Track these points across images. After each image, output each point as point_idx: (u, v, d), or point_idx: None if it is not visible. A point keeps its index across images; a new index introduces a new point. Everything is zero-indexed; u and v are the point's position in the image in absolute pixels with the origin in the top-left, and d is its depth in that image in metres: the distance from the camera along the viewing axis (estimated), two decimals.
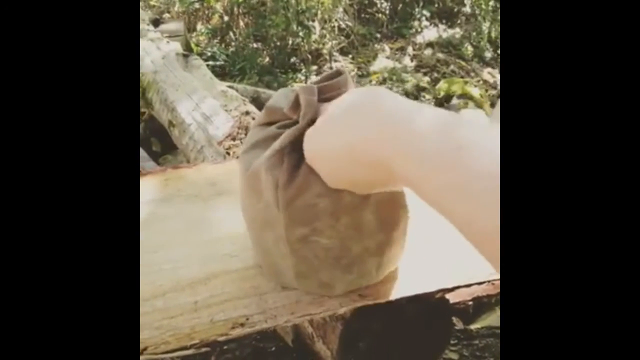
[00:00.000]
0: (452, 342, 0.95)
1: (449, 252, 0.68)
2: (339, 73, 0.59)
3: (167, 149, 2.10)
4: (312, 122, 0.56)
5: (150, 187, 0.83)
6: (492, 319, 1.08)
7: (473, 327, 1.03)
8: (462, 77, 3.08)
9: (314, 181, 0.55)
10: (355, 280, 0.60)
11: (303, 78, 3.18)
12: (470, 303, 0.72)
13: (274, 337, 0.97)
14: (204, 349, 0.94)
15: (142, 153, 1.92)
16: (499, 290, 0.61)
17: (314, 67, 3.31)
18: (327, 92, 0.57)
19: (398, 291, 0.61)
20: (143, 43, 1.86)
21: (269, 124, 0.61)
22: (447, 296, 0.63)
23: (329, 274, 0.59)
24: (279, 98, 0.61)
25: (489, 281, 0.62)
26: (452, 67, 3.31)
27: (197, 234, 0.72)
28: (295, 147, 0.56)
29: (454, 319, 1.03)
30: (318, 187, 0.55)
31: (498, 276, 0.61)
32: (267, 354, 0.95)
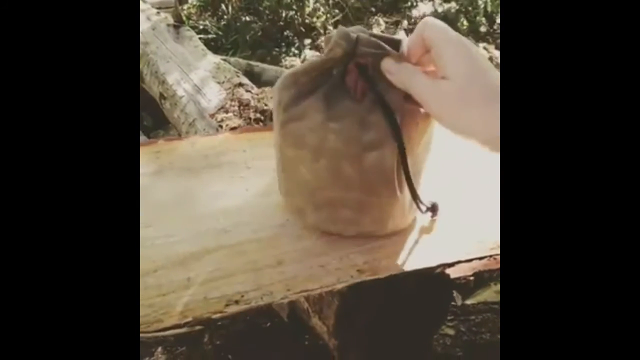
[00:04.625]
0: (448, 317, 0.94)
1: (449, 227, 0.66)
2: (395, 41, 0.58)
3: (158, 123, 2.07)
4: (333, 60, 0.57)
5: (141, 160, 0.81)
6: (488, 294, 1.08)
7: (469, 302, 1.03)
8: None
9: (311, 115, 0.57)
10: (325, 222, 0.62)
11: (297, 52, 3.13)
12: (472, 278, 0.71)
13: (269, 312, 0.96)
14: (197, 328, 0.93)
15: None
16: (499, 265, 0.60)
17: (308, 41, 3.26)
18: (366, 46, 0.57)
19: (398, 266, 0.59)
20: None
21: None
22: (448, 271, 0.61)
23: (304, 202, 0.62)
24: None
25: (490, 256, 0.61)
26: None
27: (190, 209, 0.70)
28: (314, 78, 0.58)
29: (455, 293, 1.02)
30: (311, 122, 0.57)
31: (499, 251, 0.61)
32: (262, 329, 0.95)
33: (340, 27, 0.59)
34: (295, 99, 0.58)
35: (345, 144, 0.56)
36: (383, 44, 0.58)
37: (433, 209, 0.64)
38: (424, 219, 0.66)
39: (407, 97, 0.58)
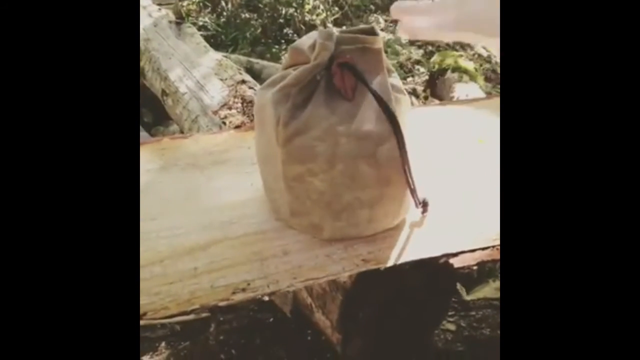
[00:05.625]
0: (449, 313, 0.95)
1: (453, 217, 0.67)
2: (371, 30, 0.60)
3: (159, 119, 2.07)
4: (322, 64, 0.58)
5: (146, 157, 0.81)
6: (488, 290, 1.08)
7: (469, 298, 1.03)
8: (456, 50, 3.05)
9: (316, 124, 0.57)
10: (345, 228, 0.61)
11: None
12: (475, 268, 0.71)
13: (272, 308, 0.97)
14: (204, 315, 0.94)
15: None
16: None
17: None
18: (347, 43, 0.58)
19: (402, 256, 0.60)
20: None
21: (294, 67, 0.61)
22: (451, 261, 0.62)
23: (319, 217, 0.60)
24: (304, 39, 0.61)
25: (493, 246, 0.62)
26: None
27: (196, 202, 0.71)
28: (304, 88, 0.58)
29: (458, 285, 1.03)
30: (318, 131, 0.57)
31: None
32: (265, 324, 0.95)
33: (320, 28, 0.60)
34: (292, 113, 0.57)
35: (358, 144, 0.57)
36: (360, 36, 0.59)
37: (424, 204, 0.65)
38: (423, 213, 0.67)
39: (393, 87, 0.60)
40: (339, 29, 0.60)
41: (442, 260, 0.62)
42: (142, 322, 0.52)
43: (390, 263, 0.59)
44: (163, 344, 0.95)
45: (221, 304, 0.54)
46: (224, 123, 1.05)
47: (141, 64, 1.57)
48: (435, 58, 2.60)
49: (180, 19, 1.75)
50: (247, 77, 1.23)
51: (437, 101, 2.32)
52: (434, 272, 0.70)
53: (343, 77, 0.58)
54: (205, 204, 0.70)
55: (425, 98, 2.47)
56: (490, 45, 0.56)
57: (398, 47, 3.11)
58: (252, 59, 2.54)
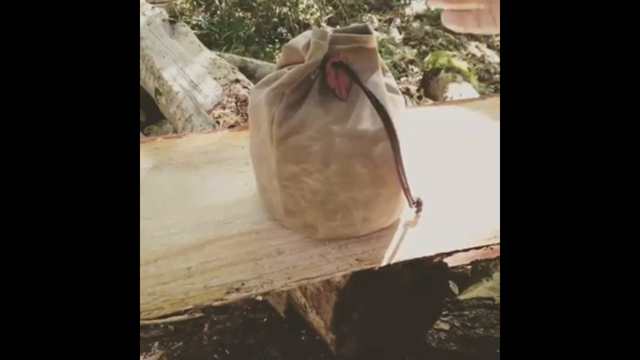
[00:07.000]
0: (443, 312, 0.95)
1: (447, 217, 0.67)
2: (364, 29, 0.60)
3: (152, 119, 2.06)
4: (316, 64, 0.58)
5: (141, 156, 0.81)
6: (481, 290, 1.09)
7: (462, 297, 1.04)
8: (450, 50, 3.06)
9: (310, 123, 0.57)
10: (339, 228, 0.61)
11: None
12: (469, 267, 0.71)
13: (266, 307, 0.97)
14: (198, 315, 0.94)
15: None
16: (497, 254, 0.61)
17: None
18: (341, 43, 0.59)
19: (396, 255, 0.60)
20: None
21: (288, 66, 0.61)
22: (445, 260, 0.62)
23: (313, 216, 0.60)
24: (299, 39, 0.61)
25: (487, 246, 0.62)
26: (440, 40, 3.28)
27: (190, 202, 0.71)
28: (298, 88, 0.58)
29: (451, 283, 1.03)
30: (312, 130, 0.57)
31: (496, 241, 0.62)
32: (259, 324, 0.95)
33: (314, 28, 0.60)
34: (286, 112, 0.57)
35: (353, 144, 0.57)
36: (354, 35, 0.59)
37: (418, 204, 0.65)
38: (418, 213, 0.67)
39: (388, 86, 0.60)
40: (333, 28, 0.60)
41: (436, 260, 0.62)
42: None
43: (384, 262, 0.59)
44: (156, 344, 0.95)
45: (215, 304, 0.54)
46: (218, 122, 1.05)
47: None
48: (429, 58, 2.60)
49: (173, 17, 1.75)
50: (241, 76, 1.22)
51: (430, 101, 2.33)
52: (428, 271, 0.70)
53: (337, 77, 0.58)
54: (199, 204, 0.70)
55: (419, 98, 2.48)
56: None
57: (392, 47, 3.12)
58: (246, 58, 2.53)
